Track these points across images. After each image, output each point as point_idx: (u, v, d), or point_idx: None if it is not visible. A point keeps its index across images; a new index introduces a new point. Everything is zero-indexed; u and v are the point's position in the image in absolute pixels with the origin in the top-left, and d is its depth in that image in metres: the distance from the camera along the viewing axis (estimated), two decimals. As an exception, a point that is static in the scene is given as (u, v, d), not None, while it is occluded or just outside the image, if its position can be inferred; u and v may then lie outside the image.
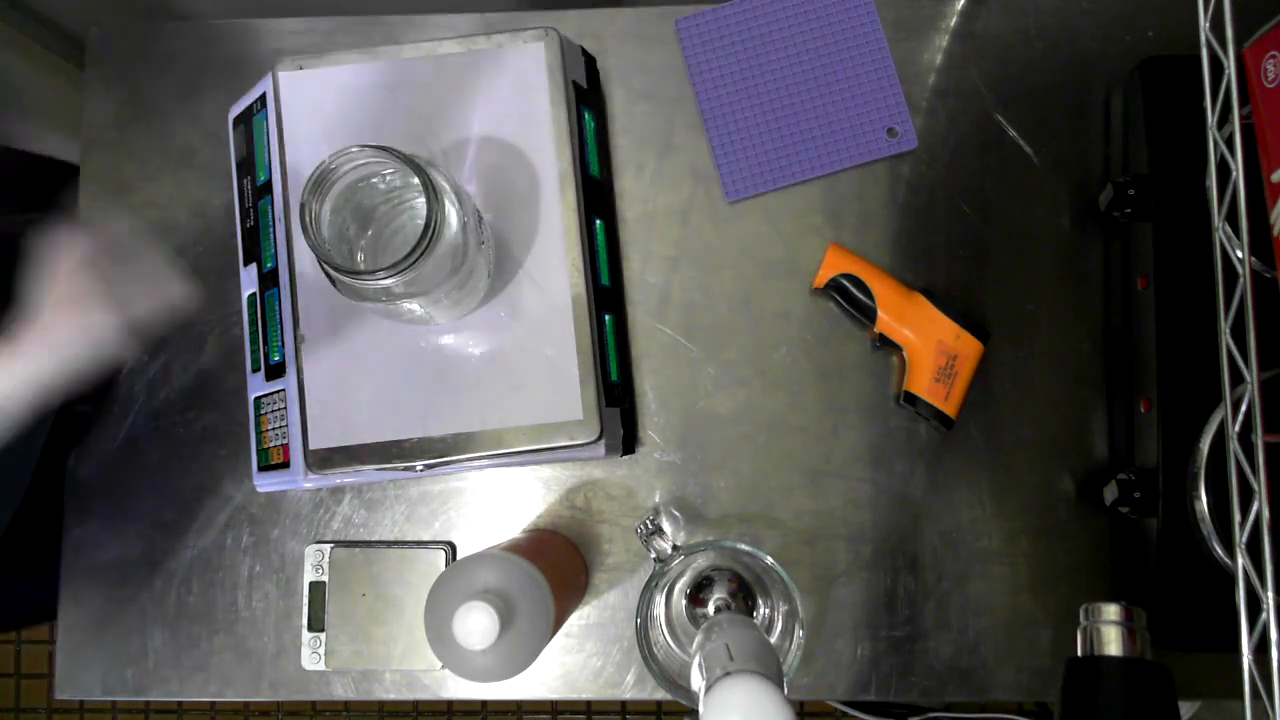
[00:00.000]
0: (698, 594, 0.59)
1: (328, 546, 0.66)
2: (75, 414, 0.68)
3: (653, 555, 0.56)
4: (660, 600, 0.59)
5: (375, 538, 0.67)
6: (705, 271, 0.68)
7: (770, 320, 0.67)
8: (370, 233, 0.53)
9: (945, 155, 0.68)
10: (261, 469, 0.62)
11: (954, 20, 0.69)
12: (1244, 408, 0.44)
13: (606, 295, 0.63)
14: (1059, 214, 0.67)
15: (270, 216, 0.60)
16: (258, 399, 0.63)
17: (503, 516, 0.67)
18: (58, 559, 0.67)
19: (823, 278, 0.65)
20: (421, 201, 0.46)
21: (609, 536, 0.66)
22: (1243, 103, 0.46)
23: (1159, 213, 0.60)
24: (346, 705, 1.51)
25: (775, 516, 0.66)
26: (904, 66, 0.68)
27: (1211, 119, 0.47)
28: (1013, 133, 0.68)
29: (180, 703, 1.51)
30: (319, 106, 0.59)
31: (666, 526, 0.65)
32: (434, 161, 0.48)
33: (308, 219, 0.45)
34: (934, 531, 0.65)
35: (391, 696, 0.66)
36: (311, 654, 0.65)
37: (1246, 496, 0.43)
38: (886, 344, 0.65)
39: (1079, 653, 0.51)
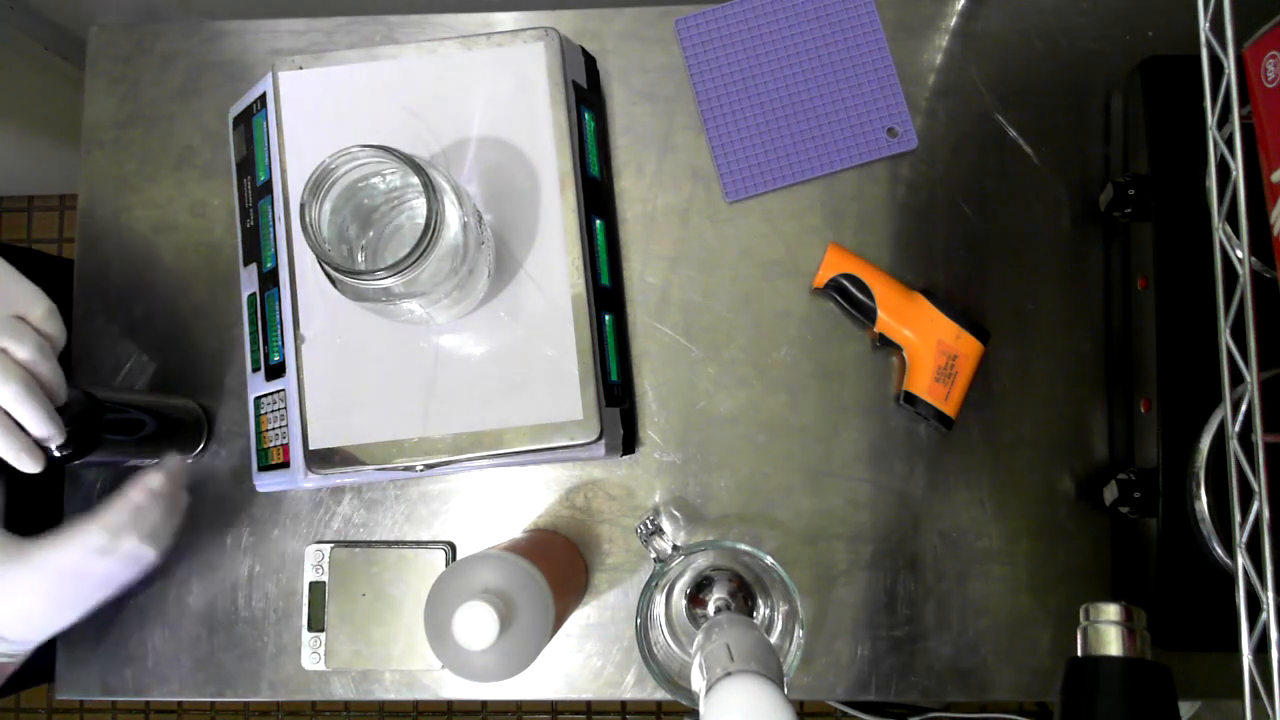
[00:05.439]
0: (698, 594, 0.59)
1: (328, 546, 0.66)
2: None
3: (653, 555, 0.56)
4: (660, 600, 0.59)
5: (375, 538, 0.67)
6: (705, 271, 0.68)
7: (770, 320, 0.67)
8: (370, 233, 0.53)
9: (945, 155, 0.68)
10: (261, 469, 0.62)
11: (954, 20, 0.69)
12: (1244, 408, 0.44)
13: (606, 295, 0.63)
14: (1059, 214, 0.67)
15: (270, 216, 0.60)
16: (258, 399, 0.63)
17: (503, 516, 0.67)
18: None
19: (823, 278, 0.65)
20: (421, 201, 0.46)
21: (609, 536, 0.66)
22: (1243, 103, 0.46)
23: (1159, 213, 0.60)
24: (346, 705, 1.51)
25: (775, 516, 0.66)
26: (904, 66, 0.68)
27: (1211, 119, 0.47)
28: (1013, 133, 0.68)
29: (180, 703, 1.51)
30: (319, 106, 0.59)
31: (666, 526, 0.65)
32: (434, 162, 0.48)
33: (307, 219, 0.46)
34: (934, 531, 0.65)
35: (391, 696, 0.66)
36: (311, 654, 0.65)
37: (1246, 496, 0.43)
38: (886, 344, 0.65)
39: (1079, 653, 0.51)
